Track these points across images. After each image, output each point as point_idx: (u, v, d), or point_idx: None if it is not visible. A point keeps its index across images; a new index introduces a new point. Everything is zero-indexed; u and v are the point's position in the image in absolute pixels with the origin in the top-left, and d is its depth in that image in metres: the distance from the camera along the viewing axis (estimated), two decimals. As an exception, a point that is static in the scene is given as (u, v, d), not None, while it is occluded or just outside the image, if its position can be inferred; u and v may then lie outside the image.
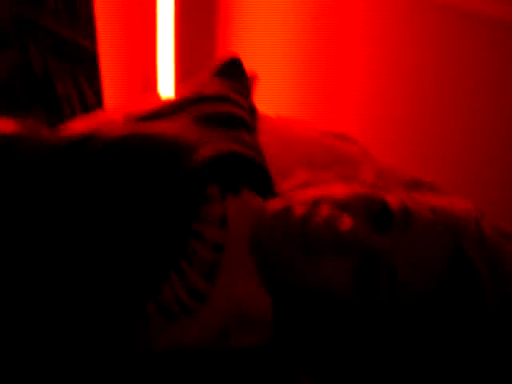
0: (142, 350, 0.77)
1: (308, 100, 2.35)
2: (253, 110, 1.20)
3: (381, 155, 1.30)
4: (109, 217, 0.77)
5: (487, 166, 1.82)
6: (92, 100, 2.41)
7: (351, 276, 0.76)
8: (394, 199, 0.80)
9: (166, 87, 2.73)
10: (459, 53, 1.84)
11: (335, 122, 2.13)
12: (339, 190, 0.82)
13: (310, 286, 0.77)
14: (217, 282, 0.80)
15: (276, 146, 1.17)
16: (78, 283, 0.75)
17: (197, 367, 0.76)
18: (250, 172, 0.91)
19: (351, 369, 0.78)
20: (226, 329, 0.80)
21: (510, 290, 0.77)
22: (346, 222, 0.75)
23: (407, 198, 0.84)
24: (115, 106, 1.60)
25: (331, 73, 2.29)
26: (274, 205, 0.83)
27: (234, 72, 1.25)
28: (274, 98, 2.10)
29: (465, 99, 1.85)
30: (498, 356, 0.76)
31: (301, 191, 0.84)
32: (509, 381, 0.77)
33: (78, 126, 1.25)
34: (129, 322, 0.76)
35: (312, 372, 0.80)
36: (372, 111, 2.14)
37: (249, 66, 1.32)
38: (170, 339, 0.77)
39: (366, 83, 2.15)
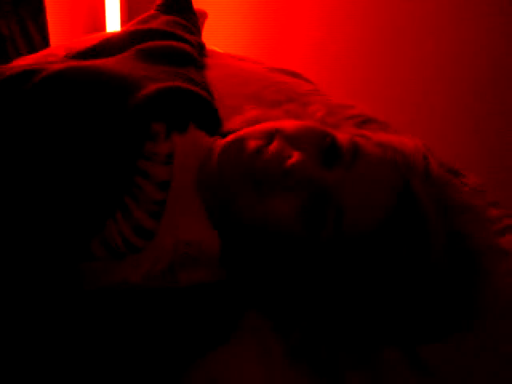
0: (89, 287, 0.76)
1: (259, 40, 2.32)
2: (201, 47, 1.17)
3: (332, 95, 1.30)
4: (51, 152, 0.74)
5: (435, 106, 1.84)
6: (38, 40, 2.33)
7: (299, 212, 0.75)
8: (342, 135, 0.79)
9: (113, 27, 2.66)
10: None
11: (287, 61, 2.11)
12: (290, 123, 0.80)
13: (259, 222, 0.76)
14: (163, 219, 0.79)
15: (225, 82, 1.15)
16: (21, 218, 0.73)
17: (144, 305, 0.76)
18: (197, 109, 0.90)
19: (298, 305, 0.79)
20: (173, 266, 0.79)
21: (456, 223, 0.78)
22: (295, 157, 0.74)
23: (356, 135, 0.84)
24: (59, 44, 1.54)
25: (282, 12, 2.27)
26: (223, 141, 0.81)
27: (181, 7, 1.21)
28: (225, 36, 2.07)
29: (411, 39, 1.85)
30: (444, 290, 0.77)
31: (251, 127, 0.83)
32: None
33: (21, 62, 1.21)
34: (74, 258, 0.74)
35: (260, 308, 0.81)
36: (324, 52, 2.13)
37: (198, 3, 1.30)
38: (116, 277, 0.76)
39: (320, 23, 2.14)
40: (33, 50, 2.18)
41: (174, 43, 1.02)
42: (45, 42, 2.30)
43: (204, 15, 1.45)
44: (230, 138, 0.81)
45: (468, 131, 1.73)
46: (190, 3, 1.31)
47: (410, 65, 1.88)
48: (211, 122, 0.92)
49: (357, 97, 1.36)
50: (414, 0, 1.82)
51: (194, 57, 1.04)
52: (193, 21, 1.28)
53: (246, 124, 0.88)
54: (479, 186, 1.02)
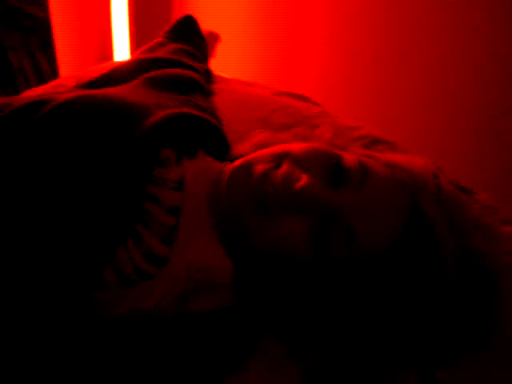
0: (101, 316, 0.75)
1: (268, 64, 2.34)
2: (208, 73, 1.18)
3: (341, 116, 1.30)
4: (61, 181, 0.75)
5: (445, 129, 1.83)
6: (47, 71, 2.36)
7: (309, 235, 0.75)
8: (350, 156, 0.79)
9: (122, 56, 2.69)
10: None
11: (295, 85, 2.12)
12: (298, 146, 0.80)
13: (269, 246, 0.76)
14: (174, 245, 0.79)
15: (233, 108, 1.15)
16: (33, 249, 0.73)
17: (157, 333, 0.75)
18: (205, 135, 0.90)
19: (312, 328, 0.78)
20: (185, 293, 0.79)
21: (468, 242, 0.77)
22: (303, 180, 0.74)
23: (364, 155, 0.83)
24: (69, 74, 1.56)
25: (291, 37, 2.28)
26: (232, 165, 0.81)
27: (188, 33, 1.22)
28: (232, 61, 2.08)
29: (420, 60, 1.85)
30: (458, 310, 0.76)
31: (259, 151, 0.83)
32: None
33: (31, 94, 1.22)
34: (86, 287, 0.74)
35: (274, 333, 0.80)
36: (332, 76, 2.14)
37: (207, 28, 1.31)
38: (128, 305, 0.76)
39: (326, 47, 2.15)
40: (42, 81, 2.21)
41: (181, 71, 1.03)
42: (54, 73, 2.33)
43: (216, 37, 1.46)
44: (238, 162, 0.81)
45: (480, 148, 1.72)
46: (197, 29, 1.32)
47: (420, 86, 1.88)
48: (220, 147, 0.92)
49: (365, 117, 1.36)
50: (423, 22, 1.82)
51: (201, 83, 1.05)
52: (200, 47, 1.29)
53: (254, 148, 0.88)
54: (491, 203, 1.01)
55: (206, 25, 1.34)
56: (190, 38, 1.27)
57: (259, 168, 0.77)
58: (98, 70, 1.21)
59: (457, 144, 1.78)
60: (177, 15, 2.66)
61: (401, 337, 0.76)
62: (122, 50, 2.70)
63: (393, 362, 0.77)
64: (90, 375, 0.71)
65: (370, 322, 0.76)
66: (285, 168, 0.76)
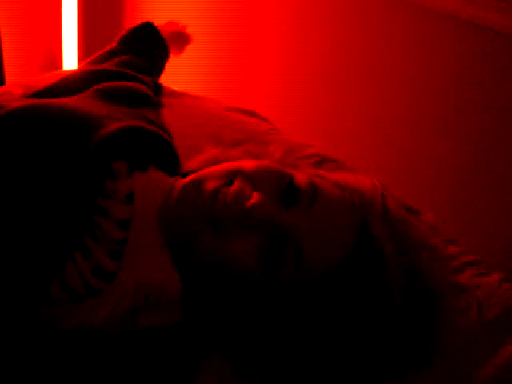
0: (49, 329, 0.74)
1: (218, 78, 2.34)
2: (157, 87, 1.17)
3: (291, 134, 1.31)
4: (8, 191, 0.73)
5: (392, 138, 1.87)
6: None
7: (258, 253, 0.75)
8: (301, 175, 0.80)
9: (71, 64, 2.65)
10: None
11: (246, 101, 2.13)
12: (248, 164, 0.81)
13: (218, 262, 0.76)
14: (123, 260, 0.78)
15: (183, 122, 1.16)
16: None
17: (104, 348, 0.74)
18: (156, 149, 0.89)
19: (259, 345, 0.78)
20: (133, 309, 0.78)
21: (414, 261, 0.79)
22: (254, 198, 0.74)
23: (314, 175, 0.84)
24: (15, 82, 1.53)
25: (243, 50, 2.29)
26: (182, 181, 0.81)
27: (144, 42, 1.21)
28: (183, 74, 2.07)
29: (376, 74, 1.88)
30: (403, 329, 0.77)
31: (210, 167, 0.83)
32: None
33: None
34: (32, 301, 0.73)
35: (222, 349, 0.80)
36: (283, 92, 2.15)
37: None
38: (76, 320, 0.75)
39: (279, 63, 2.16)
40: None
41: (130, 83, 1.02)
42: (0, 81, 2.28)
43: (187, 38, 1.43)
44: (189, 178, 0.80)
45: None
46: (156, 37, 1.30)
47: (376, 99, 1.90)
48: (170, 162, 0.91)
49: (316, 133, 1.37)
50: (383, 31, 1.85)
51: (150, 96, 1.04)
52: (156, 57, 1.28)
53: (205, 164, 0.88)
54: (436, 223, 1.04)
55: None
56: (146, 48, 1.25)
57: (210, 185, 0.77)
58: (46, 78, 1.20)
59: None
60: (128, 24, 2.64)
61: (346, 352, 0.76)
62: (70, 58, 2.66)
63: (338, 377, 0.78)
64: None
65: (316, 339, 0.77)
66: (236, 185, 0.76)
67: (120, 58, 1.18)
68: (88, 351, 0.73)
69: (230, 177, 0.78)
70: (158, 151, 0.90)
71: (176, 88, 1.46)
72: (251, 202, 0.74)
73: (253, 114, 1.35)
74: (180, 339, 0.78)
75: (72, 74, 1.07)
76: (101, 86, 0.97)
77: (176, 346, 0.78)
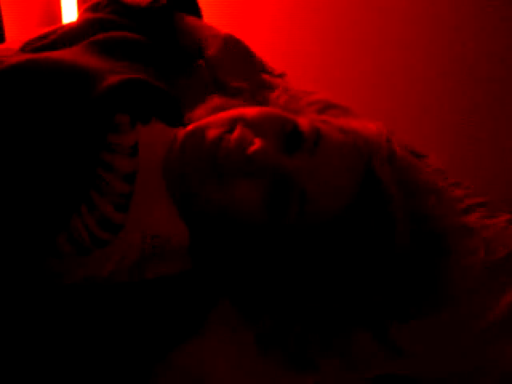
0: (56, 283, 0.75)
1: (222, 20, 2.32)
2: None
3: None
4: (11, 145, 0.73)
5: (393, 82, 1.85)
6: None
7: (262, 199, 0.75)
8: (304, 121, 0.79)
9: (70, 17, 2.61)
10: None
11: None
12: (251, 110, 0.80)
13: (222, 209, 0.76)
14: (129, 212, 0.78)
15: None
16: None
17: (113, 300, 0.75)
18: (158, 102, 0.89)
19: (266, 291, 0.79)
20: (141, 259, 0.78)
21: (420, 205, 0.79)
22: (257, 144, 0.74)
23: (318, 120, 0.84)
24: (14, 39, 1.51)
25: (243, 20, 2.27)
26: (185, 130, 0.81)
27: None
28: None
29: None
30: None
31: (213, 115, 0.82)
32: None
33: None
34: (40, 254, 0.73)
35: (230, 297, 0.81)
36: (290, 45, 2.13)
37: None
38: (83, 273, 0.76)
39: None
40: (-12, 45, 2.14)
41: (128, 34, 1.00)
42: (0, 38, 2.26)
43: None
44: (190, 126, 0.80)
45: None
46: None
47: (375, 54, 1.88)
48: (173, 113, 0.91)
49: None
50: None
51: (149, 47, 1.02)
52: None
53: (209, 113, 0.87)
54: (441, 166, 1.03)
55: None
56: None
57: (212, 132, 0.76)
58: (44, 31, 1.17)
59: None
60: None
61: (353, 295, 0.77)
62: (69, 12, 2.62)
63: (347, 321, 0.79)
64: (46, 344, 0.70)
65: (324, 283, 0.77)
66: (238, 132, 0.76)
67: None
68: (96, 303, 0.74)
69: (232, 124, 0.77)
70: (160, 103, 0.89)
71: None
72: (253, 148, 0.73)
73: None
74: (188, 288, 0.79)
75: (70, 25, 1.05)
76: (98, 37, 0.96)
77: (184, 295, 0.79)
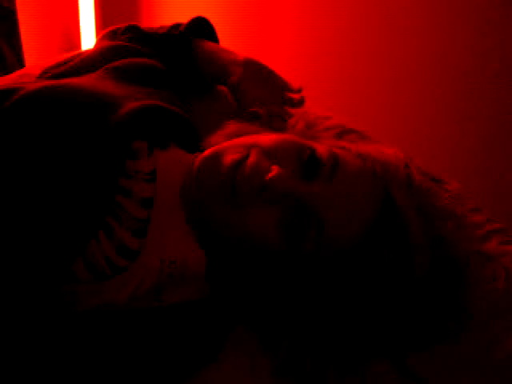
0: (72, 310, 0.75)
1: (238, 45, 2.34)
2: None
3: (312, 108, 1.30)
4: (30, 173, 0.73)
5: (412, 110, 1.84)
6: (12, 61, 2.32)
7: (279, 226, 0.75)
8: (322, 147, 0.79)
9: (89, 43, 2.65)
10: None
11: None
12: (268, 138, 0.80)
13: (239, 237, 0.76)
14: (147, 238, 0.78)
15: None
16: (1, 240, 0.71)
17: (130, 326, 0.75)
18: (175, 128, 0.89)
19: (284, 318, 0.78)
20: (158, 286, 0.78)
21: (439, 231, 0.78)
22: (274, 170, 0.73)
23: (335, 146, 0.83)
24: (34, 64, 1.53)
25: (262, 36, 2.28)
26: (202, 155, 0.81)
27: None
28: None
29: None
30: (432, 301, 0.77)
31: (229, 141, 0.82)
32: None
33: (-4, 84, 1.19)
34: (58, 281, 0.73)
35: (247, 323, 0.80)
36: (304, 63, 2.14)
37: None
38: (100, 299, 0.76)
39: (300, 31, 2.15)
40: (7, 71, 2.16)
41: (144, 60, 1.01)
42: (19, 63, 2.29)
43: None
44: (206, 152, 0.80)
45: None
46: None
47: (393, 72, 1.88)
48: (191, 139, 0.91)
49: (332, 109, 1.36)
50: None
51: (166, 73, 1.03)
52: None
53: (226, 139, 0.88)
54: (461, 192, 1.02)
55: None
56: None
57: (229, 158, 0.76)
58: (64, 58, 1.19)
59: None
60: (144, 5, 2.63)
61: (371, 324, 0.76)
62: (88, 38, 2.66)
63: (365, 350, 0.78)
64: (61, 372, 0.70)
65: (342, 311, 0.76)
66: (253, 158, 0.75)
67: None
68: (112, 330, 0.74)
69: (249, 150, 0.77)
70: (178, 129, 0.90)
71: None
72: (270, 174, 0.73)
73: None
74: (205, 314, 0.79)
75: (88, 52, 1.06)
76: (116, 63, 0.96)
77: (202, 321, 0.78)
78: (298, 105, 1.10)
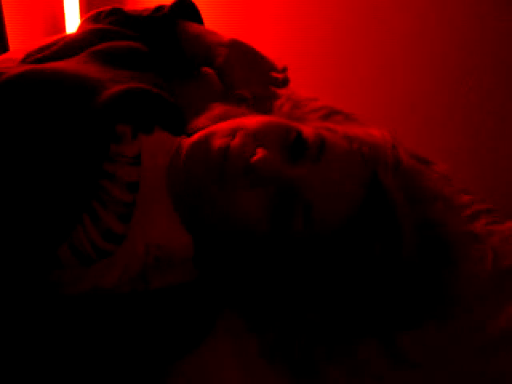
0: (59, 294, 0.74)
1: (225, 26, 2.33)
2: None
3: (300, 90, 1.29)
4: (13, 157, 0.73)
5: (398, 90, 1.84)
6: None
7: (266, 208, 0.74)
8: (308, 129, 0.79)
9: (73, 27, 2.62)
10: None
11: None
12: (254, 120, 0.79)
13: (226, 219, 0.76)
14: (132, 222, 0.77)
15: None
16: None
17: (117, 310, 0.74)
18: (160, 111, 0.88)
19: (271, 301, 0.78)
20: (144, 270, 0.78)
21: (427, 212, 0.78)
22: (259, 153, 0.73)
23: (322, 128, 0.83)
24: (18, 48, 1.51)
25: (249, 20, 2.27)
26: (189, 139, 0.80)
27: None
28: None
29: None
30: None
31: (216, 125, 0.82)
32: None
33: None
34: (42, 265, 0.73)
35: (235, 307, 0.80)
36: (294, 48, 2.13)
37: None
38: (87, 284, 0.75)
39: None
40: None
41: (128, 43, 1.00)
42: (3, 48, 2.27)
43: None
44: (196, 136, 0.80)
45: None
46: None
47: (378, 60, 1.88)
48: (176, 122, 0.90)
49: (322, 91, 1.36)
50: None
51: (150, 56, 1.02)
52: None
53: (211, 121, 0.87)
54: (449, 173, 1.02)
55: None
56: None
57: (217, 142, 0.76)
58: (47, 42, 1.17)
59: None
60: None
61: (360, 304, 0.76)
62: (73, 22, 2.63)
63: (353, 330, 0.78)
64: (49, 355, 0.70)
65: (330, 292, 0.76)
66: (236, 141, 0.75)
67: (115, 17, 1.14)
68: (99, 314, 0.73)
69: (234, 134, 0.77)
70: (163, 112, 0.89)
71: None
72: (256, 157, 0.72)
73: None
74: (193, 298, 0.79)
75: (71, 36, 1.05)
76: (99, 46, 0.95)
77: (189, 305, 0.78)
78: (283, 84, 1.09)
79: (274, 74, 1.09)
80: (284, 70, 1.09)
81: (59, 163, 0.74)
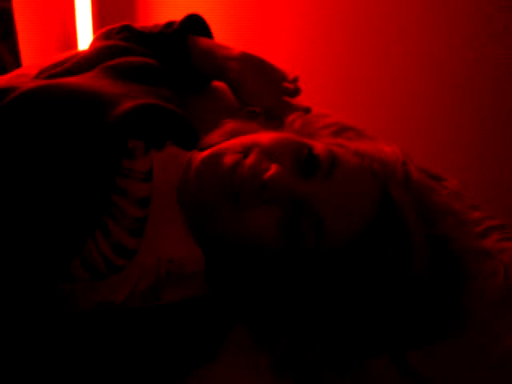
0: (69, 309, 0.74)
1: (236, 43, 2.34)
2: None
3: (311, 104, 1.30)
4: (26, 172, 0.73)
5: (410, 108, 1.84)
6: (9, 61, 2.32)
7: (277, 226, 0.75)
8: (320, 145, 0.79)
9: (86, 43, 2.64)
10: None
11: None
12: (266, 137, 0.80)
13: (237, 235, 0.76)
14: (144, 237, 0.78)
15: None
16: None
17: (128, 326, 0.75)
18: (172, 126, 0.89)
19: (282, 317, 0.78)
20: (156, 285, 0.78)
21: (438, 228, 0.78)
22: (272, 169, 0.73)
23: (334, 144, 0.83)
24: (31, 64, 1.53)
25: (259, 35, 2.28)
26: (201, 155, 0.81)
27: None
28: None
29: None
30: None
31: (228, 141, 0.82)
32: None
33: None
34: (54, 279, 0.73)
35: (245, 322, 0.80)
36: (304, 59, 2.14)
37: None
38: (97, 298, 0.75)
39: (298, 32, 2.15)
40: (4, 71, 2.16)
41: (140, 59, 1.01)
42: (16, 63, 2.28)
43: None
44: (206, 152, 0.80)
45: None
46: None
47: (390, 74, 1.88)
48: (188, 137, 0.91)
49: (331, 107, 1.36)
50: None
51: (162, 71, 1.03)
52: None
53: (223, 138, 0.87)
54: (460, 189, 1.02)
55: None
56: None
57: (228, 158, 0.76)
58: (60, 58, 1.19)
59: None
60: (141, 4, 2.62)
61: (370, 321, 0.76)
62: (85, 38, 2.66)
63: (364, 346, 0.77)
64: (59, 369, 0.70)
65: (341, 308, 0.76)
66: (252, 158, 0.75)
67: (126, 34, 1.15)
68: (110, 328, 0.73)
69: (247, 150, 0.77)
70: (175, 128, 0.89)
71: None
72: (268, 174, 0.73)
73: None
74: (204, 313, 0.79)
75: (83, 53, 1.06)
76: (112, 62, 0.96)
77: (200, 320, 0.78)
78: (295, 94, 1.10)
79: (286, 84, 1.09)
80: (295, 80, 1.10)
81: (72, 178, 0.74)
